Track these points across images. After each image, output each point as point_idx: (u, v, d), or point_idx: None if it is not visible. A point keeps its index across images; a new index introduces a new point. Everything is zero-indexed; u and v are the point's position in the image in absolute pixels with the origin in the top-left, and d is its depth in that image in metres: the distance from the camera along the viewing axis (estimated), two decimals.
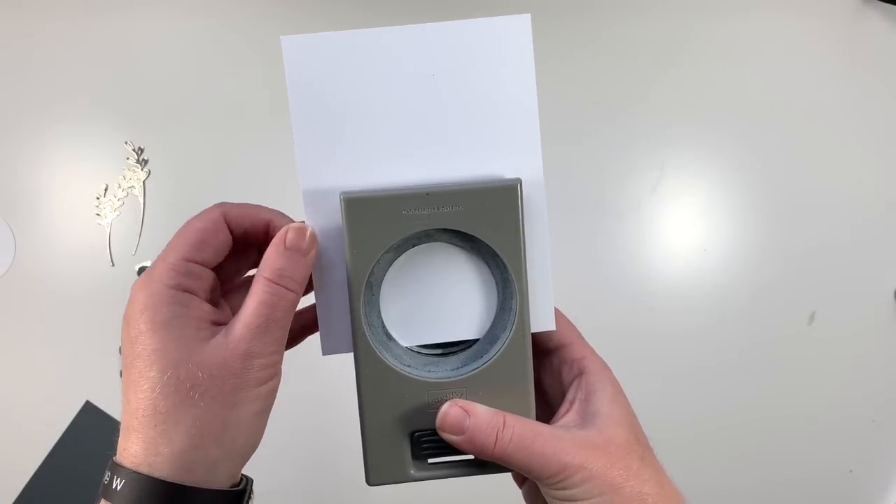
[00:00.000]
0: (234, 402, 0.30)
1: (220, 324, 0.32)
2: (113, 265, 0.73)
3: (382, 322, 0.36)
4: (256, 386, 0.31)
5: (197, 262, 0.33)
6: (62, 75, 0.73)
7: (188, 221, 0.34)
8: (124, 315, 0.32)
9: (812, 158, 0.75)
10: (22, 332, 0.73)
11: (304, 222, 0.34)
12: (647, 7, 0.75)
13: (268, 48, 0.74)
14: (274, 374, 0.32)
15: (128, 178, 0.73)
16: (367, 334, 0.34)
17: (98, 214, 0.73)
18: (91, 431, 0.72)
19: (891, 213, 0.75)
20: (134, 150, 0.73)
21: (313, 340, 0.36)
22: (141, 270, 0.73)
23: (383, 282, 0.35)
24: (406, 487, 0.36)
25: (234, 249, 0.35)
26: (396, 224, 0.33)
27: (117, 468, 0.30)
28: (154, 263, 0.33)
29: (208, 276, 0.34)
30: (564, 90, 0.74)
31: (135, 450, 0.30)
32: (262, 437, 0.33)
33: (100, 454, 0.71)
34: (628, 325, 0.73)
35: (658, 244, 0.75)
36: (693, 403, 0.74)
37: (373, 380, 0.34)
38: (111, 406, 0.73)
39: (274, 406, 0.33)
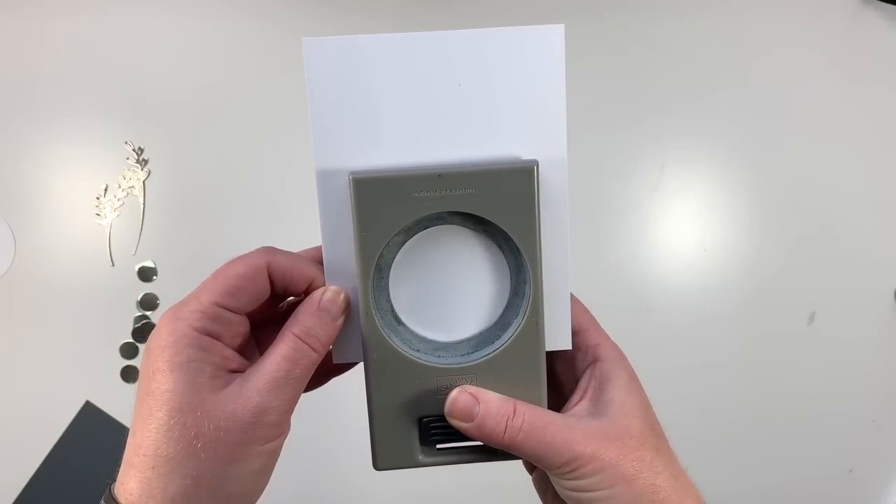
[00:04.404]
0: (236, 457, 0.30)
1: (239, 372, 0.32)
2: (113, 265, 0.73)
3: (392, 306, 0.35)
4: (261, 443, 0.31)
5: (229, 309, 0.32)
6: (62, 75, 0.73)
7: (231, 262, 0.33)
8: (147, 346, 0.32)
9: (812, 158, 0.75)
10: (22, 331, 0.73)
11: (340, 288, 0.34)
12: (647, 7, 0.75)
13: (270, 48, 0.74)
14: (280, 432, 0.32)
15: (128, 178, 0.73)
16: (376, 318, 0.34)
17: (98, 214, 0.73)
18: (91, 431, 0.72)
19: (891, 213, 0.75)
20: (134, 150, 0.73)
21: None
22: (141, 271, 0.73)
23: (393, 264, 0.35)
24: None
25: (271, 295, 0.34)
26: (407, 206, 0.33)
27: (112, 503, 0.30)
28: (186, 299, 0.32)
29: (238, 322, 0.33)
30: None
31: (131, 487, 0.30)
32: (260, 494, 0.32)
33: (100, 454, 0.71)
34: (628, 325, 0.73)
35: (658, 244, 0.75)
36: (693, 404, 0.74)
37: (381, 364, 0.34)
38: (111, 406, 0.73)
39: None
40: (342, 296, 0.34)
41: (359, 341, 0.34)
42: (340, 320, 0.34)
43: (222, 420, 0.30)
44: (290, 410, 0.32)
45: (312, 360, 0.32)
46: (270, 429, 0.31)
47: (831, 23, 0.76)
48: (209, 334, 0.32)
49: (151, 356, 0.31)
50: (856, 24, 0.76)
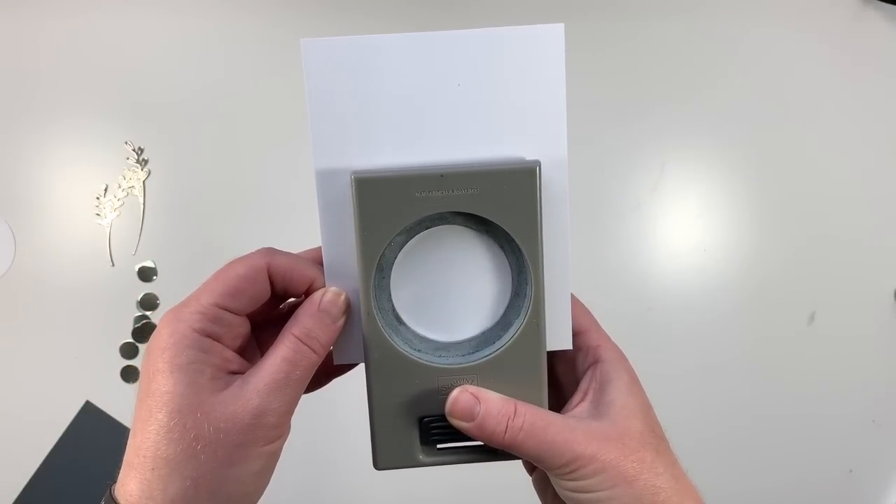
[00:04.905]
0: (235, 459, 0.30)
1: (239, 373, 0.32)
2: (113, 265, 0.73)
3: (393, 306, 0.35)
4: (261, 445, 0.31)
5: (229, 310, 0.32)
6: (62, 75, 0.73)
7: (231, 263, 0.33)
8: (147, 347, 0.32)
9: (812, 158, 0.75)
10: (22, 331, 0.73)
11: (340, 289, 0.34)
12: (646, 7, 0.75)
13: (270, 48, 0.74)
14: (280, 434, 0.32)
15: (128, 178, 0.73)
16: (377, 318, 0.34)
17: (98, 214, 0.73)
18: (91, 431, 0.72)
19: (891, 213, 0.75)
20: (134, 150, 0.73)
21: None
22: (141, 271, 0.73)
23: (394, 265, 0.35)
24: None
25: (272, 296, 0.34)
26: (408, 206, 0.33)
27: None
28: (186, 300, 0.32)
29: (238, 323, 0.33)
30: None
31: (131, 488, 0.30)
32: (261, 495, 0.32)
33: (100, 454, 0.71)
34: (628, 326, 0.73)
35: (658, 244, 0.75)
36: (692, 404, 0.74)
37: (382, 364, 0.34)
38: (111, 406, 0.73)
39: None
40: (342, 297, 0.34)
41: (359, 342, 0.34)
42: (341, 321, 0.34)
43: (222, 422, 0.30)
44: (291, 412, 0.32)
45: (312, 361, 0.32)
46: (270, 430, 0.31)
47: (831, 23, 0.76)
48: (209, 335, 0.32)
49: (151, 357, 0.31)
50: (856, 24, 0.76)
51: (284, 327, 0.33)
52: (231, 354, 0.32)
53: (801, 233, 0.75)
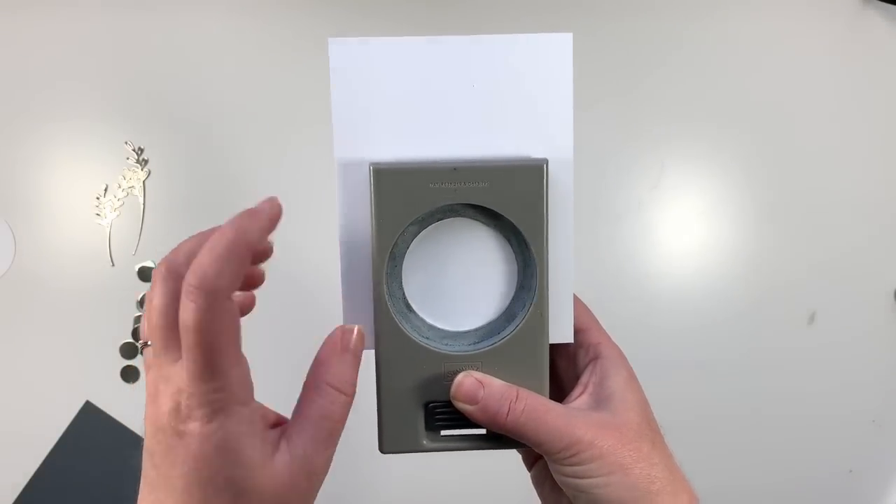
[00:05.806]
0: None
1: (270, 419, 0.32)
2: (113, 265, 0.73)
3: (403, 293, 0.37)
4: (314, 494, 0.31)
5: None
6: (62, 75, 0.73)
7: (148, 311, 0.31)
8: None
9: (812, 158, 0.75)
10: (22, 332, 0.73)
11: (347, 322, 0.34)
12: (646, 6, 0.75)
13: (270, 48, 0.74)
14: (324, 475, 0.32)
15: (128, 178, 0.73)
16: (388, 304, 0.35)
17: (98, 214, 0.73)
18: (91, 431, 0.72)
19: (890, 213, 0.75)
20: (134, 150, 0.73)
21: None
22: (141, 271, 0.73)
23: (406, 254, 0.36)
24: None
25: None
26: (423, 197, 0.35)
27: None
28: None
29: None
30: None
31: None
32: None
33: (100, 454, 0.71)
34: (627, 326, 0.73)
35: (658, 244, 0.75)
36: (692, 404, 0.74)
37: (391, 349, 0.35)
38: (111, 406, 0.73)
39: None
40: (356, 330, 0.33)
41: (370, 331, 0.36)
42: (360, 353, 0.33)
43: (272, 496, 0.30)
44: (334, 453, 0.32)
45: (349, 405, 0.32)
46: (320, 484, 0.32)
47: (831, 23, 0.76)
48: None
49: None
50: (856, 23, 0.76)
51: (311, 372, 0.32)
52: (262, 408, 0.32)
53: (802, 233, 0.75)
